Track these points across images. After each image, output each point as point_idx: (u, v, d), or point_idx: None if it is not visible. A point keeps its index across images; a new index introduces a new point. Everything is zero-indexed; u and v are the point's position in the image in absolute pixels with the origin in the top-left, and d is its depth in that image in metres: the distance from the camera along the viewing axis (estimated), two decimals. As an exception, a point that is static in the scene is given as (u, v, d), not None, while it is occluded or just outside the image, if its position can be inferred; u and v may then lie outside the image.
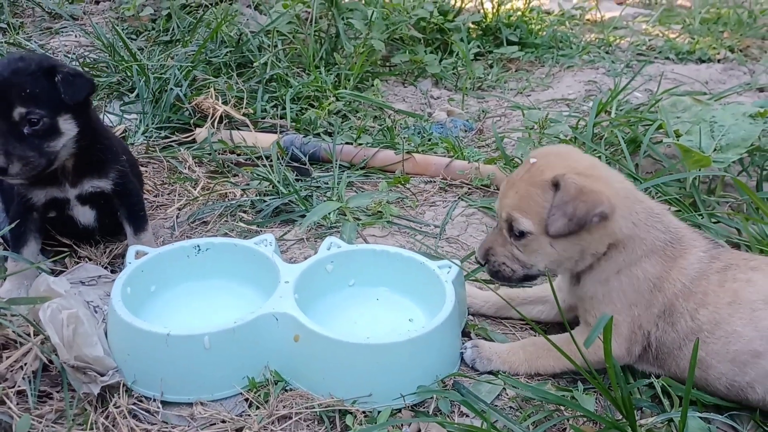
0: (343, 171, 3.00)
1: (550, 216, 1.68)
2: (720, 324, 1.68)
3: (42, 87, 1.93)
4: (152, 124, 3.28)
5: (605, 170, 1.82)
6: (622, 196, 1.75)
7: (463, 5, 5.30)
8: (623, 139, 2.96)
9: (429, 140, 3.38)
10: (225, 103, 3.38)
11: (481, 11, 5.22)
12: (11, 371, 1.71)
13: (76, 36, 4.65)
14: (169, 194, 2.79)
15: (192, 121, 3.31)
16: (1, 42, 4.14)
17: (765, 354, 1.63)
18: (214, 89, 3.45)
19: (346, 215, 2.58)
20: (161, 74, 3.55)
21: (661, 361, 1.79)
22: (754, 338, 1.64)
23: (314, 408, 1.67)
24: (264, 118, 3.46)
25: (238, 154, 3.15)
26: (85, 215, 2.25)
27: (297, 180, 2.91)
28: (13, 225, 2.00)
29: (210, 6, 4.94)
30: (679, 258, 1.76)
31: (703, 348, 1.65)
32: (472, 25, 5.10)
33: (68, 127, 2.00)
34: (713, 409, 1.72)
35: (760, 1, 6.31)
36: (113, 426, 1.63)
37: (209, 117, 3.26)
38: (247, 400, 1.73)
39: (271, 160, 2.96)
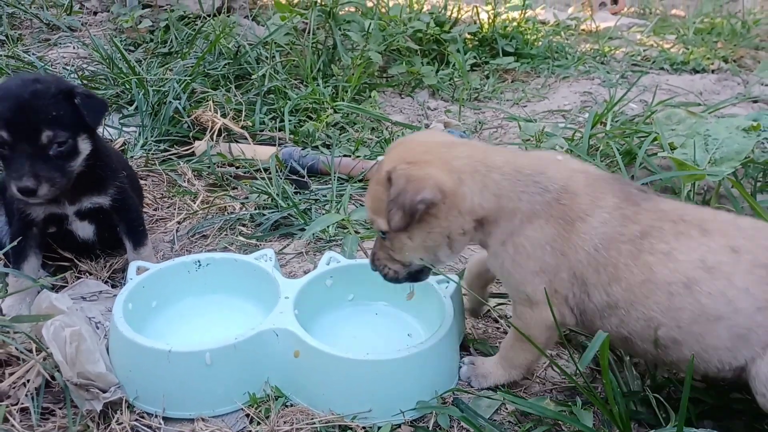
0: (342, 184, 3.03)
1: (388, 212, 1.60)
2: (635, 305, 1.54)
3: (64, 109, 2.00)
4: (151, 137, 3.30)
5: (446, 150, 1.66)
6: (470, 171, 1.62)
7: (459, 16, 5.34)
8: (618, 151, 2.99)
9: (426, 152, 3.40)
10: (223, 115, 3.41)
11: (477, 22, 5.26)
12: (13, 388, 1.72)
13: (74, 48, 4.67)
14: (168, 207, 2.81)
15: (191, 134, 3.33)
16: (1, 55, 4.15)
17: (685, 341, 1.52)
18: (213, 102, 3.48)
19: (346, 228, 2.60)
20: (160, 87, 3.57)
21: (587, 327, 1.69)
22: (672, 327, 1.51)
23: (315, 424, 1.68)
24: (262, 130, 3.49)
25: (237, 167, 3.17)
26: (84, 230, 2.27)
27: (296, 193, 2.93)
28: (14, 243, 2.01)
29: (208, 17, 4.98)
30: (578, 221, 1.58)
31: (623, 327, 1.56)
32: (468, 36, 5.15)
33: (85, 146, 2.08)
34: (708, 419, 1.74)
35: (753, 12, 6.37)
36: (115, 442, 1.64)
37: (208, 130, 3.28)
38: (248, 415, 1.74)
39: (270, 173, 2.98)
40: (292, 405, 1.78)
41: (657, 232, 1.54)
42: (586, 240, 1.57)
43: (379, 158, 1.75)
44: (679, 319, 1.50)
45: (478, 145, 1.75)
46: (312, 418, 1.70)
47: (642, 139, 3.21)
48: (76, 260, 2.38)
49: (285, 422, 1.69)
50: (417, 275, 1.81)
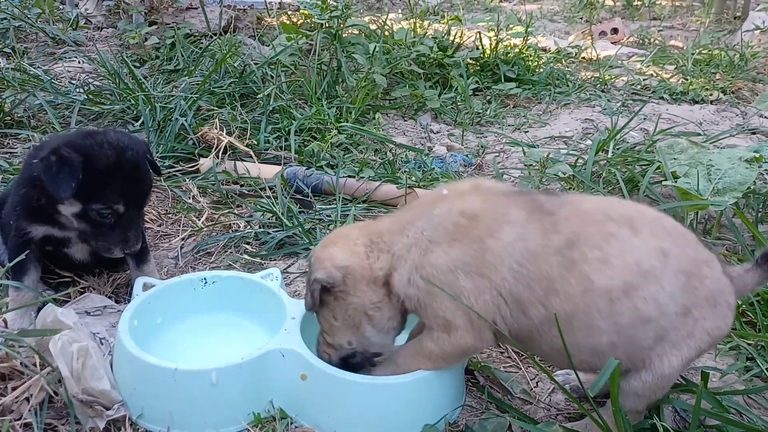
0: (346, 204, 3.03)
1: (306, 292, 1.72)
2: (577, 315, 1.51)
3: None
4: (156, 153, 3.30)
5: (356, 232, 1.74)
6: (369, 244, 1.69)
7: (462, 41, 5.40)
8: (621, 179, 3.02)
9: (430, 175, 3.42)
10: (229, 133, 3.42)
11: (480, 48, 5.32)
12: (16, 402, 1.70)
13: (79, 62, 4.70)
14: (172, 224, 2.81)
15: (196, 151, 3.34)
16: (7, 68, 4.17)
17: (620, 345, 1.53)
18: (218, 120, 3.49)
19: (349, 250, 2.59)
20: (166, 104, 3.59)
21: (524, 343, 1.64)
22: (613, 332, 1.51)
23: (320, 446, 1.67)
24: (267, 149, 3.50)
25: (242, 185, 3.18)
26: (82, 251, 2.25)
27: (300, 212, 2.94)
28: (21, 256, 1.98)
29: (213, 36, 5.02)
30: (488, 239, 1.54)
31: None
32: (470, 61, 5.20)
33: None
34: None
35: (750, 45, 6.46)
36: (118, 461, 1.62)
37: (214, 147, 3.29)
38: (252, 436, 1.73)
39: (275, 192, 2.99)
40: (297, 426, 1.76)
41: (585, 239, 1.51)
42: (504, 257, 1.52)
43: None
44: (618, 324, 1.51)
45: (380, 220, 1.77)
46: (317, 440, 1.69)
47: (644, 167, 3.25)
48: (76, 278, 2.36)
49: (290, 443, 1.68)
50: (353, 364, 1.77)
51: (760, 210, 2.97)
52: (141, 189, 2.07)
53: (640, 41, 7.57)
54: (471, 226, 1.56)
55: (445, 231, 1.58)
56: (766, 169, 3.07)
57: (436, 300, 1.59)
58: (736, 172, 2.68)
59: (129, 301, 2.02)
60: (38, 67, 4.43)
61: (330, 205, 3.06)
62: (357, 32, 4.85)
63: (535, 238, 1.52)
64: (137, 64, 4.61)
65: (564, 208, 1.56)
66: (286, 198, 2.97)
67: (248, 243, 2.69)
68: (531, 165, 3.06)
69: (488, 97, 4.94)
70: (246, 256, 2.58)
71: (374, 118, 4.08)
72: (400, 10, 7.72)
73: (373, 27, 5.19)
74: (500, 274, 1.53)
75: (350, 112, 3.98)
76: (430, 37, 5.19)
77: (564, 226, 1.53)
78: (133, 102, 3.70)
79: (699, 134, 4.04)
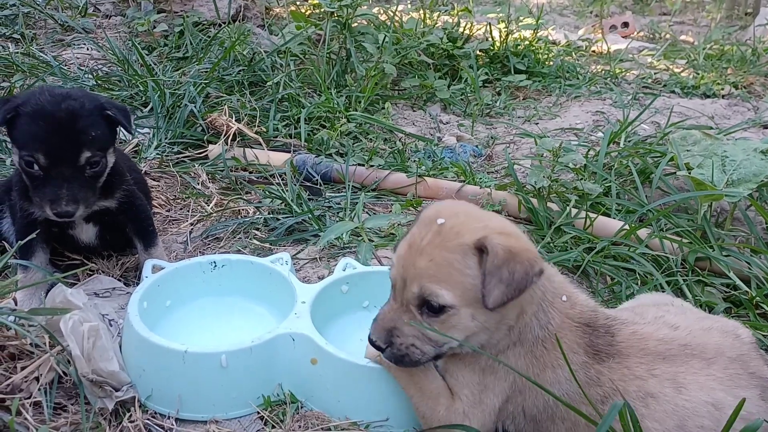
0: (355, 192, 3.02)
1: (485, 285, 1.41)
2: None
3: (99, 126, 1.97)
4: (165, 139, 3.29)
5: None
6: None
7: (472, 33, 5.37)
8: (635, 170, 2.99)
9: (439, 164, 3.40)
10: (238, 120, 3.40)
11: (490, 39, 5.28)
12: (26, 382, 1.69)
13: (88, 49, 4.68)
14: (181, 209, 2.79)
15: (205, 138, 3.32)
16: (15, 53, 4.16)
17: None
18: (228, 107, 3.48)
19: (360, 236, 2.58)
20: (175, 90, 3.57)
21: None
22: None
23: (331, 430, 1.66)
24: (276, 137, 3.48)
25: (251, 172, 3.16)
26: (87, 233, 2.24)
27: (309, 200, 2.92)
28: (32, 236, 1.96)
29: (222, 24, 5.00)
30: (549, 369, 1.53)
31: None
32: (480, 53, 5.16)
33: (111, 160, 2.06)
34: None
35: (762, 40, 6.40)
36: (127, 441, 1.61)
37: (223, 134, 3.27)
38: (262, 418, 1.72)
39: (284, 179, 2.97)
40: (306, 410, 1.75)
41: (621, 396, 1.43)
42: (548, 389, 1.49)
43: (440, 221, 1.49)
44: None
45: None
46: (327, 424, 1.68)
47: (655, 159, 3.22)
48: (85, 260, 2.35)
49: (300, 426, 1.67)
50: (438, 357, 1.59)
51: (775, 203, 2.94)
52: (67, 141, 1.87)
53: (651, 36, 7.52)
54: (546, 353, 1.52)
55: (535, 340, 1.52)
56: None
57: (477, 376, 1.56)
58: (751, 163, 2.64)
59: (138, 283, 2.01)
60: (47, 53, 4.41)
61: (339, 192, 3.04)
62: (366, 22, 4.81)
63: (580, 383, 1.48)
64: (146, 52, 4.58)
65: (613, 359, 1.51)
66: (295, 185, 2.95)
67: (257, 229, 2.67)
68: (542, 155, 3.03)
69: (498, 89, 4.90)
70: (255, 242, 2.56)
71: (383, 108, 4.05)
72: (409, 2, 7.68)
73: (383, 18, 5.16)
74: (534, 400, 1.53)
75: (359, 102, 3.96)
76: (440, 28, 5.15)
77: (605, 378, 1.49)
78: (142, 88, 3.68)
79: (711, 128, 4.00)
